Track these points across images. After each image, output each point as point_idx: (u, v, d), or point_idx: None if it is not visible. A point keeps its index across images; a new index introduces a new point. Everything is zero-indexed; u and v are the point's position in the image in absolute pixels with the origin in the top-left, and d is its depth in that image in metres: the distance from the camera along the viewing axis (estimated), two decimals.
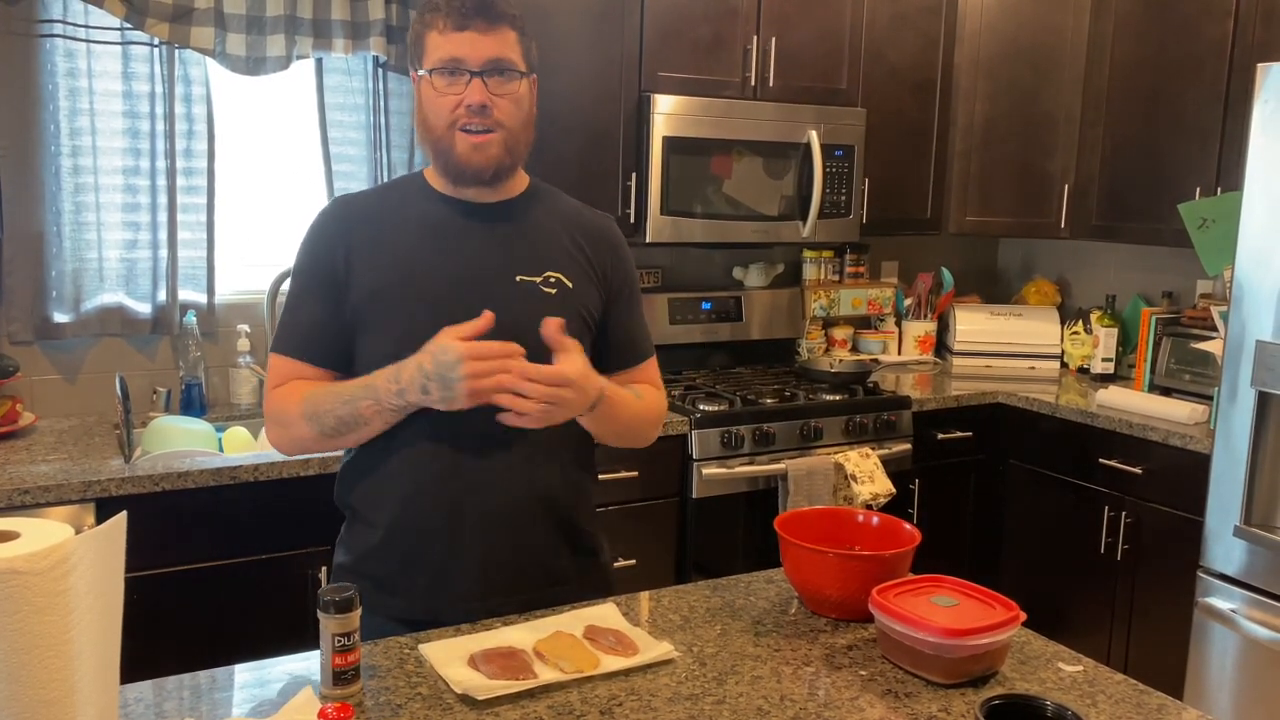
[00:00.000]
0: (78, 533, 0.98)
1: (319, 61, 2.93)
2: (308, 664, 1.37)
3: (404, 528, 1.55)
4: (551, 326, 1.44)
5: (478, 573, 1.55)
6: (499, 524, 1.54)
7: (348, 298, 1.54)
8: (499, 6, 1.51)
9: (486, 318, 1.41)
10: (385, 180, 3.00)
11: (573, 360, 1.44)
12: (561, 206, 1.67)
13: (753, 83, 3.21)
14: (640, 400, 1.64)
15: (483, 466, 1.53)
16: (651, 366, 1.73)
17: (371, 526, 1.58)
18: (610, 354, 1.67)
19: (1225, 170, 3.06)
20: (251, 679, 1.35)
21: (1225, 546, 2.65)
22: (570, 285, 1.59)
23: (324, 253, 1.56)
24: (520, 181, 1.65)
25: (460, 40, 1.48)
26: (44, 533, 0.97)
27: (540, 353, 1.46)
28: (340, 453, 1.65)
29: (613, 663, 1.37)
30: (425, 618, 1.52)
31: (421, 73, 1.52)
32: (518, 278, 1.56)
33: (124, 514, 1.05)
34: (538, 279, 1.57)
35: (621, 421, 1.60)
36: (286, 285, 3.10)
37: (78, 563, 0.96)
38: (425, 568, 1.55)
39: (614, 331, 1.67)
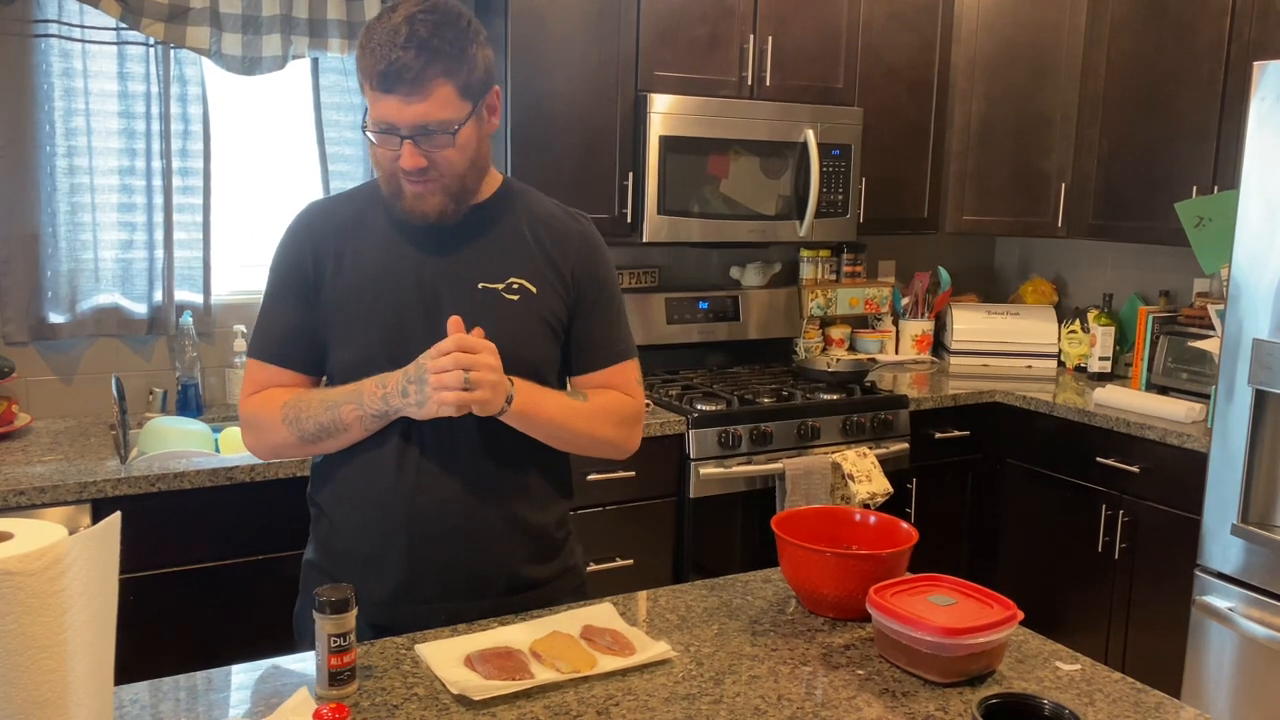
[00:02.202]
0: (72, 533, 0.98)
1: (315, 61, 2.93)
2: (304, 664, 1.37)
3: (367, 532, 1.54)
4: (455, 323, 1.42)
5: (437, 580, 1.54)
6: (459, 534, 1.53)
7: (317, 305, 1.55)
8: (424, 63, 1.39)
9: (454, 322, 1.41)
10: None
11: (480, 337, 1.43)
12: (533, 208, 1.62)
13: (749, 82, 3.21)
14: (581, 402, 1.58)
15: (446, 477, 1.52)
16: (625, 371, 1.65)
17: (336, 527, 1.58)
18: (576, 356, 1.63)
19: (1222, 169, 3.06)
20: (248, 680, 1.35)
21: (1222, 545, 2.65)
22: (534, 290, 1.56)
23: (294, 259, 1.57)
24: (489, 184, 1.60)
25: (386, 105, 1.41)
26: (38, 533, 0.97)
27: (501, 355, 1.47)
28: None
29: (610, 663, 1.37)
30: (386, 621, 1.52)
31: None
32: (480, 285, 1.54)
33: (118, 514, 1.05)
34: (500, 285, 1.55)
35: (556, 423, 1.53)
36: None
37: (71, 563, 0.96)
38: (386, 573, 1.54)
39: (581, 333, 1.62)
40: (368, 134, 1.46)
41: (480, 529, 1.54)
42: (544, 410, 1.51)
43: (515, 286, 1.55)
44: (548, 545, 1.63)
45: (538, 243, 1.59)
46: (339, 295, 1.54)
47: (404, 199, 1.49)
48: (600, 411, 1.60)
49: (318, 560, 1.62)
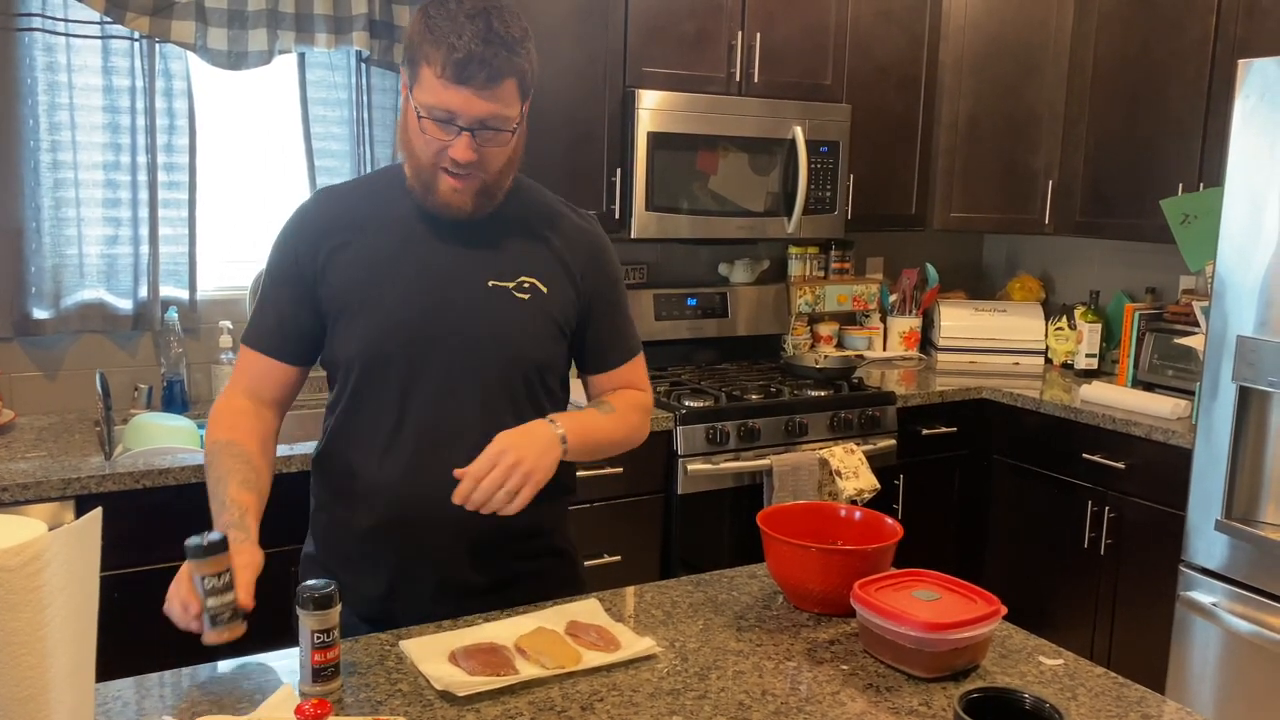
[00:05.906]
0: (53, 529, 0.97)
1: (301, 56, 2.92)
2: (288, 661, 1.37)
3: (365, 529, 1.55)
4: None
5: (433, 579, 1.55)
6: (455, 533, 1.53)
7: (318, 294, 1.53)
8: (502, 59, 1.40)
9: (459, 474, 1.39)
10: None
11: (494, 441, 1.41)
12: (542, 206, 1.63)
13: (738, 78, 3.21)
14: (613, 414, 1.61)
15: (443, 477, 1.49)
16: (634, 368, 1.69)
17: (336, 522, 1.60)
18: (593, 356, 1.66)
19: (1207, 166, 3.08)
20: (231, 676, 1.34)
21: (1207, 541, 2.66)
22: (544, 290, 1.56)
23: (301, 247, 1.54)
24: None
25: (455, 95, 1.40)
26: (16, 529, 0.96)
27: (508, 354, 1.51)
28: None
29: (594, 658, 1.37)
30: (381, 616, 1.53)
31: (411, 101, 1.45)
32: (489, 283, 1.53)
33: (99, 510, 1.04)
34: (510, 284, 1.54)
35: (602, 443, 1.59)
36: None
37: (51, 559, 0.95)
38: (382, 570, 1.56)
39: (596, 334, 1.64)
40: (420, 120, 1.43)
41: (475, 528, 1.52)
42: (593, 437, 1.55)
43: (526, 285, 1.55)
44: (543, 543, 1.64)
45: (548, 242, 1.59)
46: (345, 283, 1.51)
47: (437, 192, 1.48)
48: (625, 417, 1.62)
49: (316, 555, 1.63)
